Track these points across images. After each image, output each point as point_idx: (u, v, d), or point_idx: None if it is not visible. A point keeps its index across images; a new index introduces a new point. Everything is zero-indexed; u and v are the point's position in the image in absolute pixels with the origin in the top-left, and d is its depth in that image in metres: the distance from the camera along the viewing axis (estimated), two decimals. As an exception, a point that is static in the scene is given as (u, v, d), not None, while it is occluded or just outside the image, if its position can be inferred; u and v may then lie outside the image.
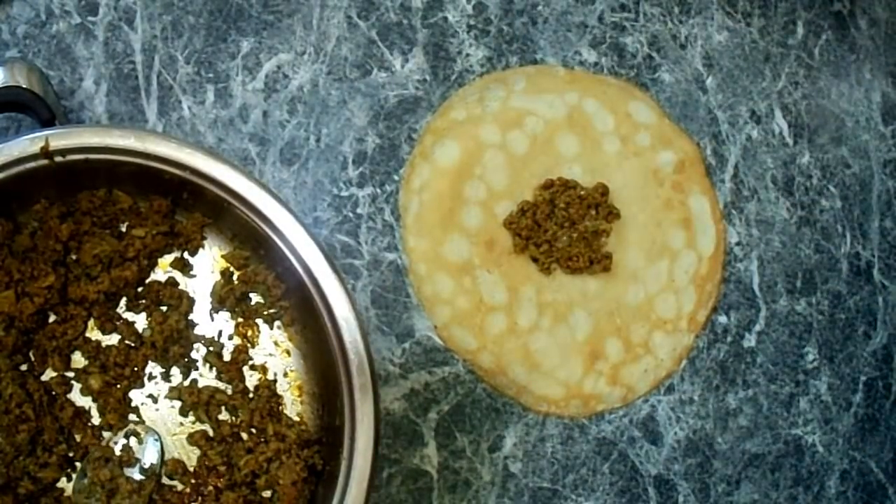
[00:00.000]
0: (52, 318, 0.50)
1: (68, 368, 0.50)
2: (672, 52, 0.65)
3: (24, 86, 0.49)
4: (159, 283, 0.52)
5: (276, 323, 0.53)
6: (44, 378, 0.50)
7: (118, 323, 0.51)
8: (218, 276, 0.52)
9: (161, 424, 0.51)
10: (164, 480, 0.50)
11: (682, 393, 0.61)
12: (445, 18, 0.62)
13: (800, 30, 0.68)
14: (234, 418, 0.51)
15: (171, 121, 0.58)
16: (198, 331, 0.52)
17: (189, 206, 0.51)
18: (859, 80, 0.68)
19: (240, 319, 0.52)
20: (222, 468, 0.50)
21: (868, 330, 0.65)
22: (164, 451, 0.50)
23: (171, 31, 0.58)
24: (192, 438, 0.51)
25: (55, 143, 0.46)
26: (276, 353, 0.53)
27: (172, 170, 0.47)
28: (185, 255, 0.53)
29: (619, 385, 0.60)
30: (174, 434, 0.51)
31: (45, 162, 0.46)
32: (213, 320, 0.52)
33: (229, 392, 0.51)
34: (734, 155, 0.65)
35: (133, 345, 0.51)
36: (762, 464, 0.62)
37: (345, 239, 0.58)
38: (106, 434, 0.50)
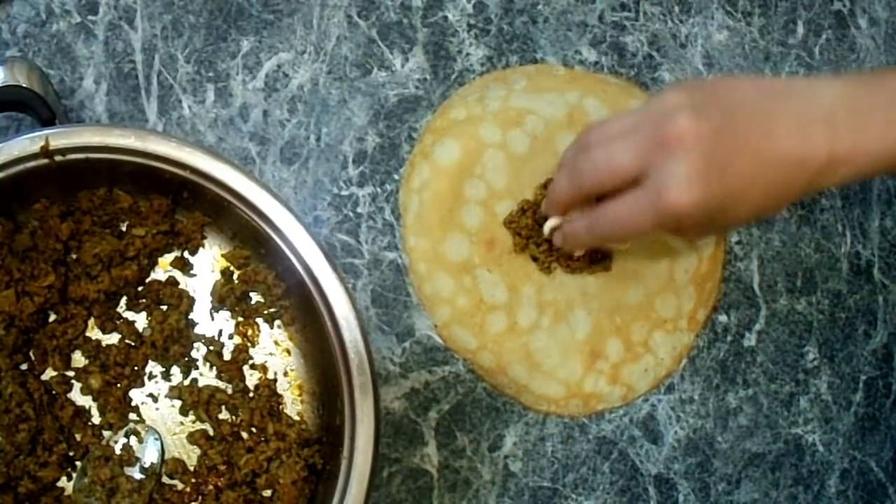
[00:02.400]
0: (52, 318, 0.50)
1: (68, 368, 0.50)
2: (672, 52, 0.65)
3: (24, 85, 0.49)
4: (159, 282, 0.52)
5: (277, 322, 0.53)
6: (44, 377, 0.50)
7: (118, 322, 0.51)
8: (218, 276, 0.52)
9: (161, 423, 0.51)
10: (165, 479, 0.50)
11: (683, 392, 0.61)
12: (446, 18, 0.62)
13: (800, 29, 0.67)
14: (234, 417, 0.51)
15: (171, 120, 0.58)
16: (198, 330, 0.52)
17: (189, 206, 0.51)
18: (859, 79, 0.68)
19: (240, 319, 0.52)
20: (222, 467, 0.50)
21: (868, 329, 0.65)
22: (165, 451, 0.50)
23: (172, 31, 0.58)
24: (192, 437, 0.51)
25: (55, 143, 0.46)
26: (276, 353, 0.53)
27: (173, 169, 0.47)
28: (186, 254, 0.53)
29: (619, 384, 0.60)
30: (174, 433, 0.51)
31: (45, 161, 0.46)
32: (213, 319, 0.52)
33: (229, 391, 0.51)
34: (734, 154, 0.65)
35: (133, 344, 0.51)
36: (762, 463, 0.62)
37: (345, 238, 0.58)
38: (106, 433, 0.50)
